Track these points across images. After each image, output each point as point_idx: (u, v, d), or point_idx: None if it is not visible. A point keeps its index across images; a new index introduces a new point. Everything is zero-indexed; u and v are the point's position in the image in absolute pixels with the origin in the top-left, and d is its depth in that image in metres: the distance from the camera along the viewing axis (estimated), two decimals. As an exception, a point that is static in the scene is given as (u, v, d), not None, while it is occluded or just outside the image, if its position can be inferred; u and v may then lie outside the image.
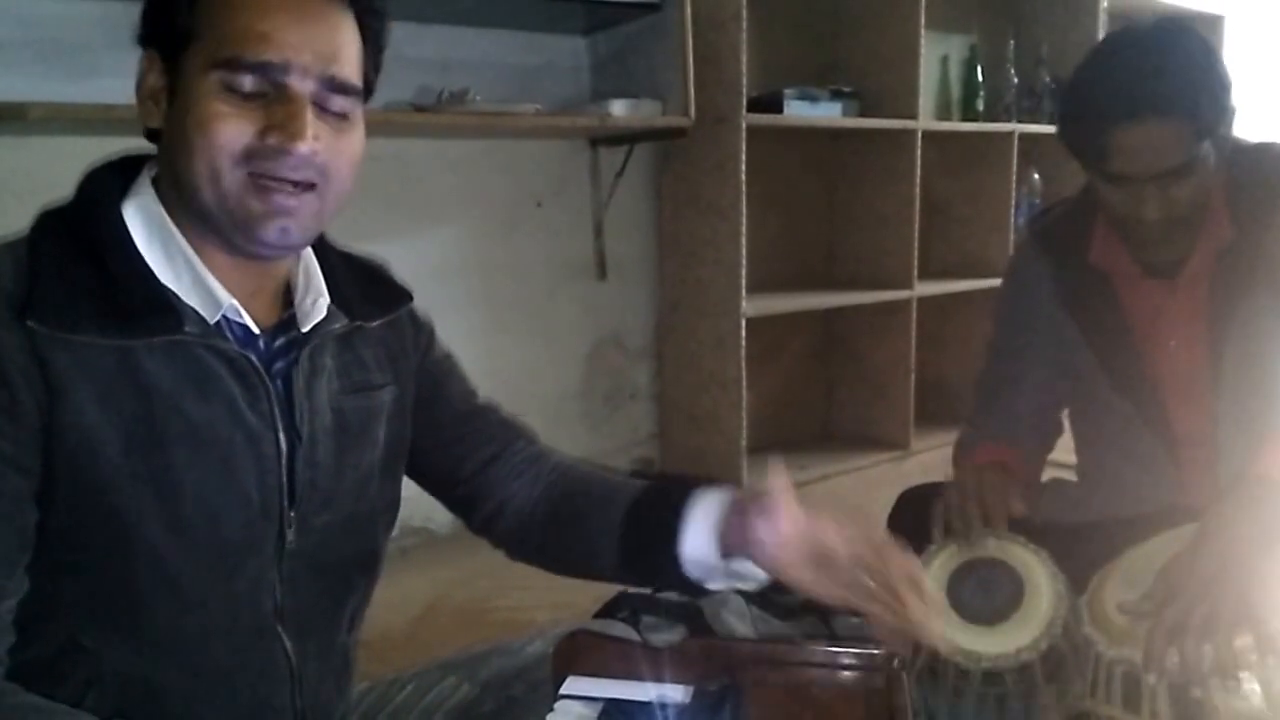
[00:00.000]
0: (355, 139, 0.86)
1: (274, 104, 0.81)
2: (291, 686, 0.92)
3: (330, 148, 0.83)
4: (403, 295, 1.03)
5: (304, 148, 0.80)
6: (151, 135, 0.86)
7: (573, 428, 2.82)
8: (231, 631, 0.88)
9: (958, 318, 3.38)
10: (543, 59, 2.59)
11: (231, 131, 0.79)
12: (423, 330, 1.05)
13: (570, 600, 1.78)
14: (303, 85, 0.81)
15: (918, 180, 3.00)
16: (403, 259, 1.09)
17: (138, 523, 0.81)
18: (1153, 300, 1.40)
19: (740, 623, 1.60)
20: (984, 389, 1.58)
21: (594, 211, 2.77)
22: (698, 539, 0.95)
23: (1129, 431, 1.45)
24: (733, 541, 0.94)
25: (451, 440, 1.06)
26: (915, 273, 3.05)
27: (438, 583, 2.14)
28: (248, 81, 0.80)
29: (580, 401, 2.84)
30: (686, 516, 0.96)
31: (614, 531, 1.00)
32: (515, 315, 2.64)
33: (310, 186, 0.82)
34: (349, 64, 0.84)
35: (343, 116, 0.84)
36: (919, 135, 2.97)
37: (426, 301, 1.06)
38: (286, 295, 0.93)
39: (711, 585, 0.97)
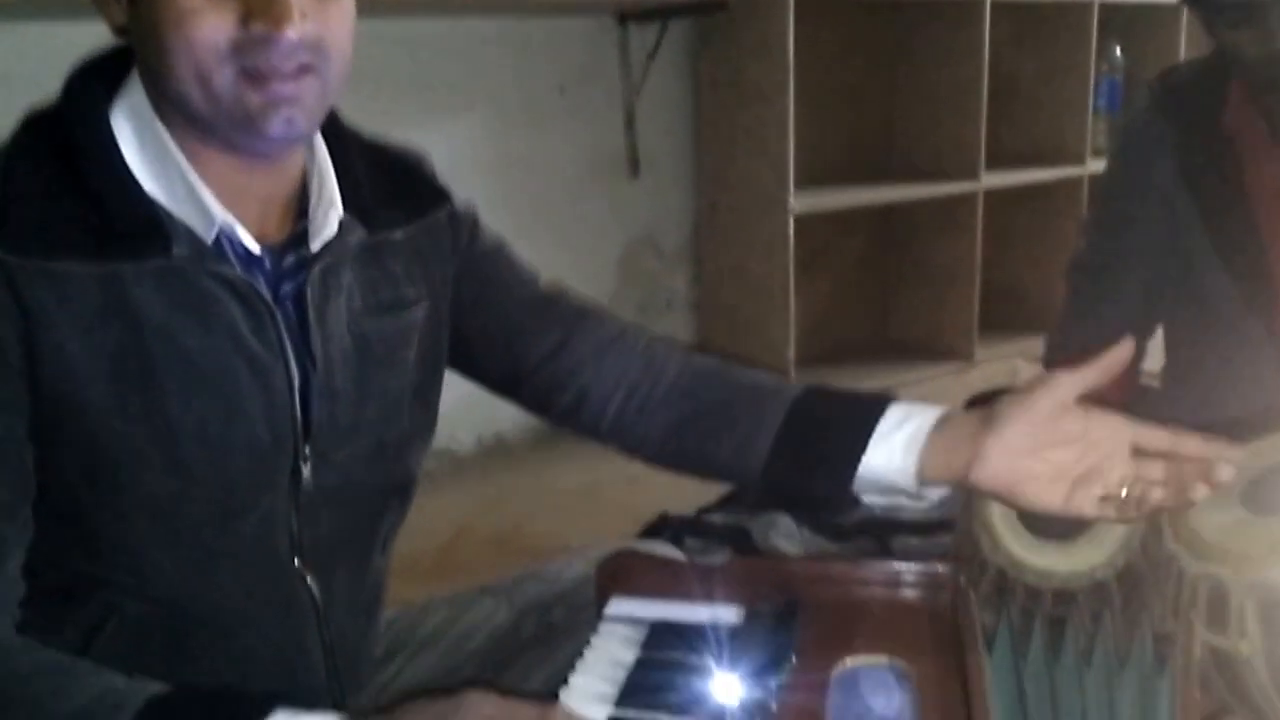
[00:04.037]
0: (345, 2, 0.83)
1: None
2: (318, 623, 0.94)
3: (320, 22, 0.80)
4: (439, 197, 1.01)
5: (292, 33, 0.78)
6: (120, 31, 0.84)
7: (604, 340, 2.84)
8: (244, 572, 0.89)
9: (1028, 213, 3.35)
10: (563, -77, 2.56)
11: (211, 26, 0.77)
12: (462, 226, 1.03)
13: (607, 525, 1.82)
14: None
15: (985, 57, 2.95)
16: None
17: (132, 465, 0.82)
18: None
19: (790, 544, 1.64)
20: (1082, 270, 1.61)
21: (624, 99, 2.75)
22: (889, 459, 0.93)
23: (1232, 324, 1.46)
24: (938, 463, 0.92)
25: (511, 336, 1.05)
26: (982, 162, 3.02)
27: (465, 507, 2.19)
28: None
29: (610, 310, 2.85)
30: (875, 433, 0.94)
31: (766, 449, 0.98)
32: (538, 216, 2.65)
33: (308, 69, 0.81)
34: None
35: None
36: (987, 4, 2.91)
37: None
38: (303, 204, 0.91)
39: (869, 500, 0.97)
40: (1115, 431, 0.89)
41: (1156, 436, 0.90)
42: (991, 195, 3.08)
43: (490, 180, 2.57)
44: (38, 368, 0.78)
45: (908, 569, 0.98)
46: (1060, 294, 1.69)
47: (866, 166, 3.19)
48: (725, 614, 0.94)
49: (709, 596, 0.96)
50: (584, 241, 2.77)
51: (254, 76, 0.79)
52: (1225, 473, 0.87)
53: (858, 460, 0.94)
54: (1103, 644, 0.85)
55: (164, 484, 0.83)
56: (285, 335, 0.87)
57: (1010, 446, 0.89)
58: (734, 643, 0.88)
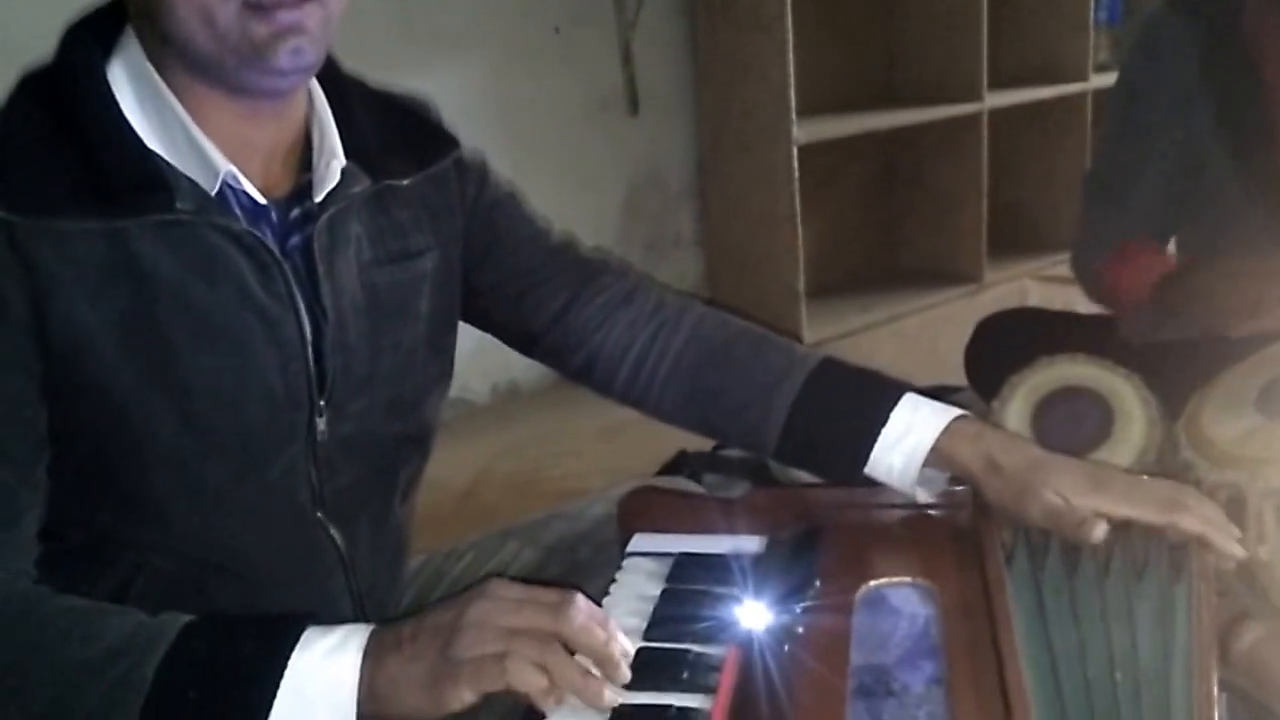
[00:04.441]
0: None
1: None
2: (344, 573, 0.95)
3: None
4: (446, 144, 1.00)
5: None
6: None
7: (612, 283, 2.83)
8: (268, 526, 0.90)
9: (1033, 132, 3.32)
10: None
11: None
12: (470, 176, 1.02)
13: (626, 465, 1.84)
14: None
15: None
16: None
17: (147, 422, 0.82)
18: None
19: (808, 475, 1.65)
20: (1096, 180, 1.61)
21: (620, 34, 2.72)
22: (888, 474, 0.97)
23: (1245, 233, 1.46)
24: (940, 469, 0.96)
25: (522, 292, 1.06)
26: (985, 82, 2.99)
27: (483, 455, 2.21)
28: None
29: (619, 253, 2.83)
30: (876, 445, 0.96)
31: (772, 433, 1.01)
32: (538, 160, 2.62)
33: None
34: None
35: None
36: (984, -79, 2.88)
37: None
38: (307, 157, 0.91)
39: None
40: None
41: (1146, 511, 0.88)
42: (995, 115, 3.06)
43: (488, 125, 2.54)
44: (47, 327, 0.78)
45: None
46: (1077, 208, 1.69)
47: (869, 92, 3.15)
48: (747, 544, 0.95)
49: (730, 528, 0.97)
50: (587, 183, 2.76)
51: (257, 7, 0.78)
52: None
53: (861, 467, 0.98)
54: (1120, 554, 0.86)
55: (180, 439, 0.84)
56: (295, 288, 0.86)
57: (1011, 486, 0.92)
58: (757, 571, 0.89)
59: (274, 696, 0.69)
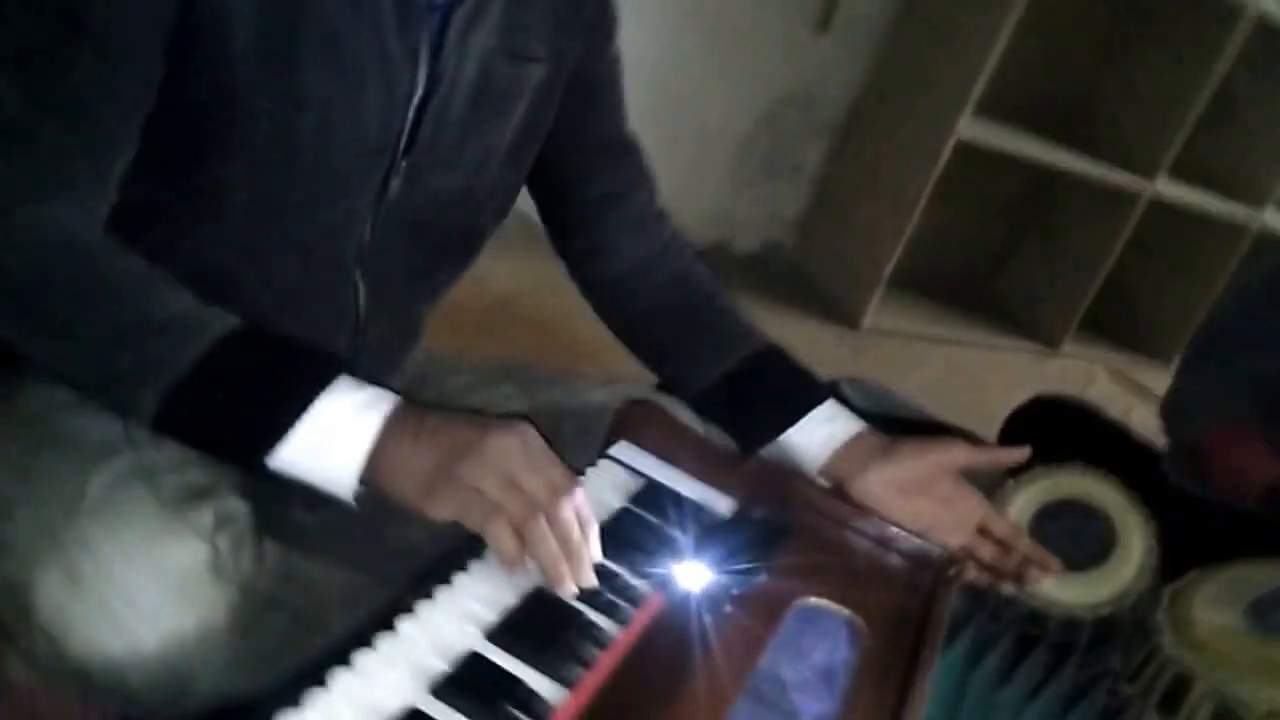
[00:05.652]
0: None
1: None
2: (355, 334, 0.98)
3: None
4: None
5: None
6: None
7: (716, 182, 2.77)
8: (307, 260, 0.92)
9: (1180, 236, 3.20)
10: None
11: None
12: (605, 16, 1.04)
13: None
14: None
15: (1218, 72, 2.75)
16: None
17: (249, 122, 0.83)
18: None
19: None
20: (1216, 339, 1.56)
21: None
22: (806, 446, 1.05)
23: None
24: (835, 465, 1.04)
25: (580, 161, 1.09)
26: (1166, 165, 2.88)
27: (525, 274, 2.20)
28: None
29: (735, 155, 2.80)
30: (800, 422, 1.05)
31: (713, 378, 1.08)
32: (707, 38, 2.56)
33: None
34: None
35: None
36: (1240, 18, 2.71)
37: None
38: None
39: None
40: (972, 508, 1.05)
41: (1001, 525, 1.05)
42: (1156, 202, 2.95)
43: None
44: None
45: (904, 537, 0.99)
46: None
47: (1052, 119, 3.03)
48: (717, 500, 0.95)
49: (709, 479, 0.97)
50: (741, 78, 2.68)
51: None
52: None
53: (783, 428, 1.06)
54: (1056, 683, 0.86)
55: (271, 148, 0.85)
56: (424, 47, 0.87)
57: (889, 479, 1.02)
58: (717, 534, 0.89)
59: (290, 428, 0.74)
